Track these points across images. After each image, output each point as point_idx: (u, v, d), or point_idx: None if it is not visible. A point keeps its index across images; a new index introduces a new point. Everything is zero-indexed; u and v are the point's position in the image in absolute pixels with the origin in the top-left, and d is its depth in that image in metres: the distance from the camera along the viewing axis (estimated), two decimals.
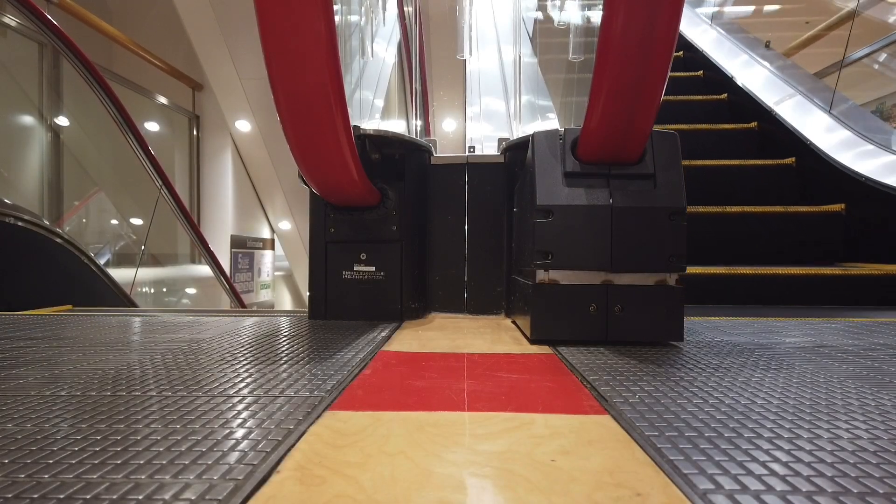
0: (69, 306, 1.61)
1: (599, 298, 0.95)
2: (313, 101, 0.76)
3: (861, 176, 2.06)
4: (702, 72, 3.55)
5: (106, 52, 5.64)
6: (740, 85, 3.04)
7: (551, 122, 2.92)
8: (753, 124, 2.82)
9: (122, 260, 4.88)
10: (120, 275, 2.56)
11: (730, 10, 3.84)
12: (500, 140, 1.43)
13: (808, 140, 2.39)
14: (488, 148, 2.30)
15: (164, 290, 5.30)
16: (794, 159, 2.44)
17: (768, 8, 4.51)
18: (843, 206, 2.11)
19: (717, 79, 3.33)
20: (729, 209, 2.16)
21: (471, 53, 3.89)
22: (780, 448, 0.46)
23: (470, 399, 0.62)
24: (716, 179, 2.45)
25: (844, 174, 2.14)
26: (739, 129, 2.82)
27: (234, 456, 0.44)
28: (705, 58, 3.52)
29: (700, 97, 3.23)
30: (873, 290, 1.79)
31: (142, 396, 0.60)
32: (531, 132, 1.04)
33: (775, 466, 0.43)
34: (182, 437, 0.48)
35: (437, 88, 9.25)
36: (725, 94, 3.17)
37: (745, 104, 2.95)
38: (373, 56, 4.16)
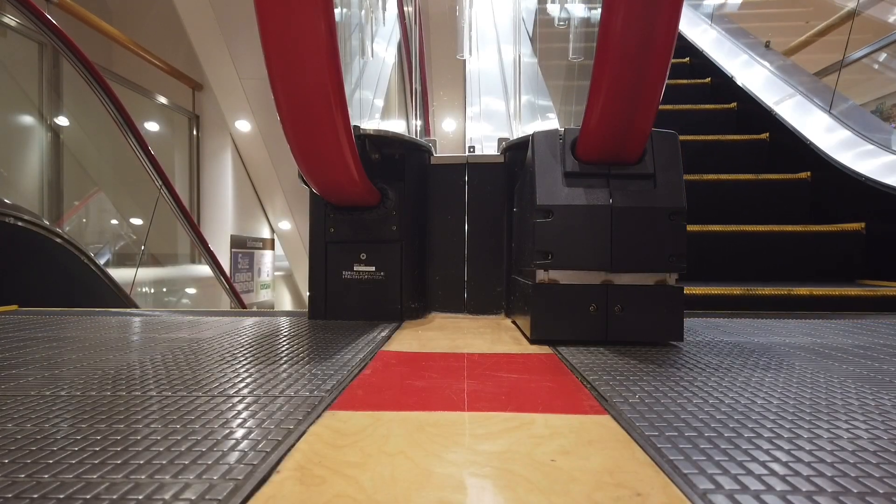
0: (15, 306, 1.54)
1: (599, 298, 0.95)
2: (313, 101, 0.76)
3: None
4: (688, 58, 3.71)
5: (106, 52, 5.64)
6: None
7: (551, 122, 2.92)
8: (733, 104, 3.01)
9: (122, 260, 4.88)
10: (120, 275, 2.56)
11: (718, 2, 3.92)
12: (500, 140, 1.43)
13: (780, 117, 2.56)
14: (488, 148, 2.31)
15: (164, 289, 5.30)
16: (767, 134, 2.61)
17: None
18: (808, 173, 2.26)
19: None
20: (706, 177, 2.29)
21: (471, 53, 3.89)
22: (780, 448, 0.46)
23: (470, 399, 0.62)
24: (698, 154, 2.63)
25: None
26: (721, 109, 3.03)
27: (234, 456, 0.44)
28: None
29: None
30: (830, 243, 1.99)
31: (142, 396, 0.60)
32: (531, 132, 1.04)
33: (775, 466, 0.43)
34: (182, 437, 0.48)
35: (437, 88, 9.26)
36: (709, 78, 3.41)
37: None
38: (373, 56, 4.16)
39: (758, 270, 2.02)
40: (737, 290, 1.60)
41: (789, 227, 2.00)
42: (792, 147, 2.41)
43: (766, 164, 2.57)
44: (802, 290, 1.61)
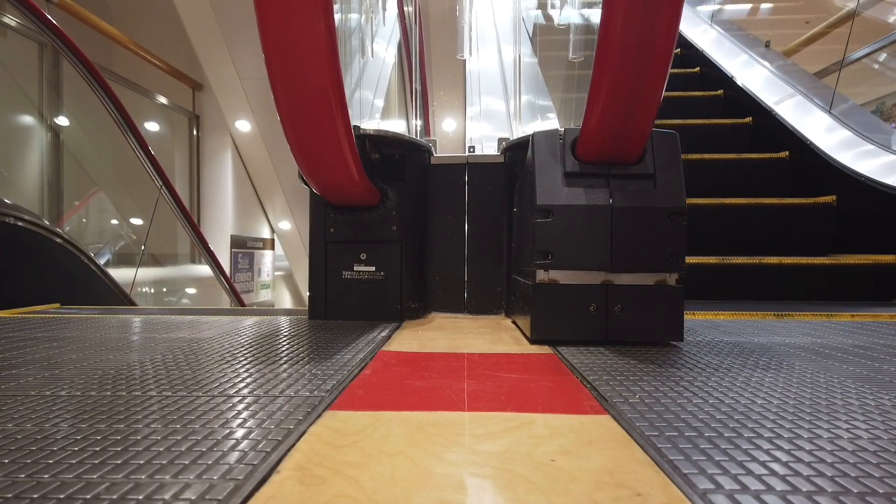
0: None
1: (599, 298, 0.95)
2: (313, 101, 0.76)
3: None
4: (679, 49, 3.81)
5: (106, 52, 5.64)
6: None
7: (551, 122, 2.92)
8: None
9: (122, 260, 4.88)
10: (120, 275, 2.56)
11: None
12: (500, 140, 1.43)
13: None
14: (488, 148, 2.31)
15: (164, 289, 5.30)
16: (750, 118, 2.82)
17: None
18: (787, 153, 2.41)
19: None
20: (691, 156, 2.42)
21: (471, 53, 3.89)
22: (780, 448, 0.46)
23: (470, 399, 0.62)
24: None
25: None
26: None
27: (234, 456, 0.44)
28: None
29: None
30: (805, 216, 2.06)
31: (142, 396, 0.60)
32: (531, 132, 1.04)
33: (775, 466, 0.43)
34: (182, 437, 0.48)
35: (437, 88, 9.25)
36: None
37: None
38: (373, 56, 4.16)
39: (736, 244, 2.08)
40: (713, 260, 1.75)
41: (766, 200, 2.06)
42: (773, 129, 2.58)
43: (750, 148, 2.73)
44: (772, 260, 1.75)
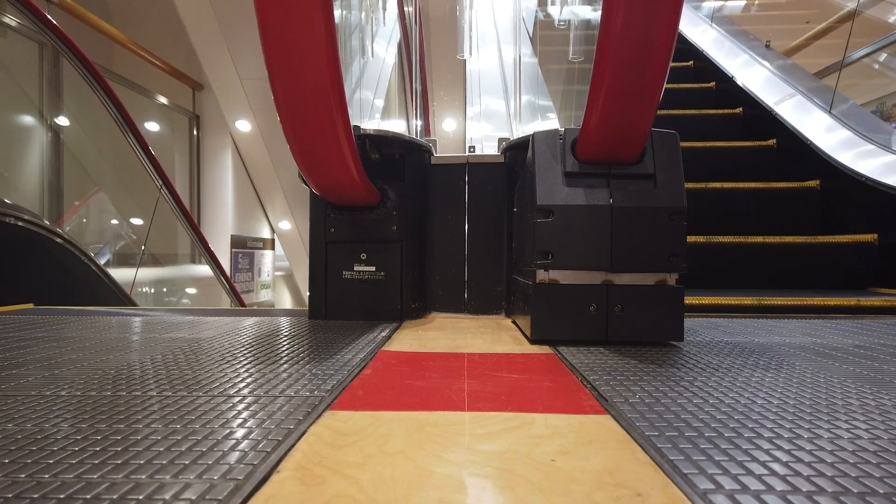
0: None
1: (599, 298, 0.95)
2: (313, 101, 0.76)
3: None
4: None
5: (106, 52, 5.64)
6: None
7: (551, 122, 2.92)
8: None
9: (122, 260, 4.88)
10: (120, 275, 2.56)
11: None
12: (500, 140, 1.43)
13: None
14: (488, 148, 2.31)
15: (165, 290, 5.30)
16: (714, 83, 3.30)
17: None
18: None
19: None
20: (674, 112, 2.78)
21: (471, 53, 3.89)
22: (780, 448, 0.46)
23: (470, 399, 0.62)
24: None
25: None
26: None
27: (234, 456, 0.44)
28: None
29: None
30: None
31: (142, 396, 0.60)
32: (531, 132, 1.04)
33: (775, 466, 0.43)
34: (182, 436, 0.48)
35: (437, 88, 9.25)
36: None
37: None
38: (373, 56, 4.16)
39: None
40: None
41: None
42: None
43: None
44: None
